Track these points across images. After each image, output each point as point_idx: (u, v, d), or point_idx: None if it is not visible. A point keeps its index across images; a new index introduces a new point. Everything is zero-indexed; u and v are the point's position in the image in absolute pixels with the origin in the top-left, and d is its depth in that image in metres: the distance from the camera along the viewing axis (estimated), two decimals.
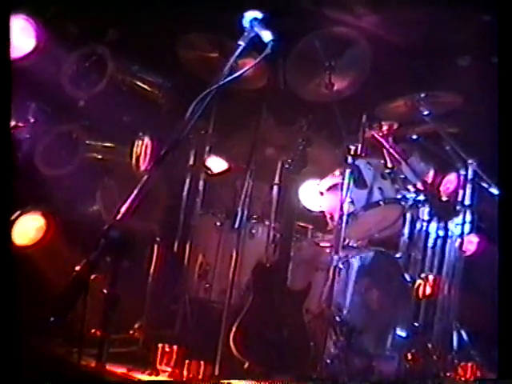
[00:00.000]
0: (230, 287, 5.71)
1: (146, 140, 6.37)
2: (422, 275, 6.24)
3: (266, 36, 3.44)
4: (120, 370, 5.32)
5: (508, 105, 3.99)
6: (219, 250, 6.16)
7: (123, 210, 3.01)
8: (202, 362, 5.34)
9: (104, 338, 2.94)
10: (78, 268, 2.88)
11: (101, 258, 2.97)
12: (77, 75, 6.34)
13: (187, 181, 6.61)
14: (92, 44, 6.39)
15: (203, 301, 6.20)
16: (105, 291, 2.98)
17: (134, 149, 6.36)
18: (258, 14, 3.51)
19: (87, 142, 6.32)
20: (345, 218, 5.68)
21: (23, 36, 5.92)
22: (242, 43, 3.43)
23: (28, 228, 6.04)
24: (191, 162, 6.60)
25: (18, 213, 5.94)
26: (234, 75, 3.27)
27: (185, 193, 6.61)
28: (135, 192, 3.04)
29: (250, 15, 3.50)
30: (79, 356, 3.24)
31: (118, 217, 3.01)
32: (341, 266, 5.65)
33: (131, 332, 6.04)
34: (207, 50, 6.24)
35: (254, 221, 6.17)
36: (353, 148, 5.85)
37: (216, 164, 6.55)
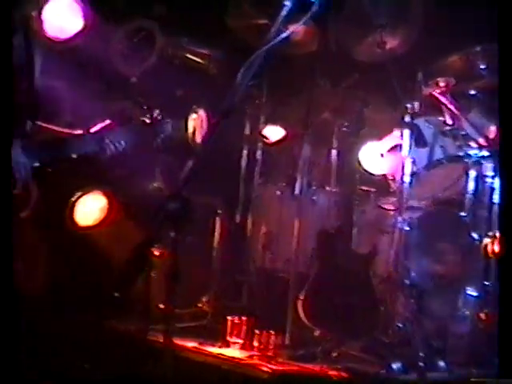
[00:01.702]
0: (294, 255, 5.67)
1: (201, 112, 6.32)
2: (490, 233, 6.10)
3: None
4: (191, 344, 5.34)
5: None
6: (281, 219, 6.11)
7: (180, 182, 2.98)
8: (272, 332, 5.33)
9: (168, 311, 2.92)
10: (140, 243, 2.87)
11: (162, 232, 2.94)
12: (127, 52, 6.32)
13: (245, 151, 6.57)
14: (140, 19, 6.36)
15: (269, 270, 6.18)
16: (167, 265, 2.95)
17: (190, 122, 6.32)
18: None
19: (141, 118, 6.28)
20: (407, 178, 5.58)
21: (71, 16, 5.92)
22: (287, 3, 3.35)
23: (90, 208, 6.07)
24: (247, 131, 6.55)
25: (79, 193, 5.98)
26: (282, 36, 3.19)
27: (243, 163, 6.57)
28: (190, 163, 3.00)
29: None
30: (146, 332, 3.23)
31: (176, 190, 2.97)
32: (406, 227, 5.56)
33: (200, 306, 6.06)
34: (256, 18, 6.16)
35: (314, 187, 6.10)
36: (411, 107, 5.73)
37: (273, 132, 6.49)
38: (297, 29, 3.30)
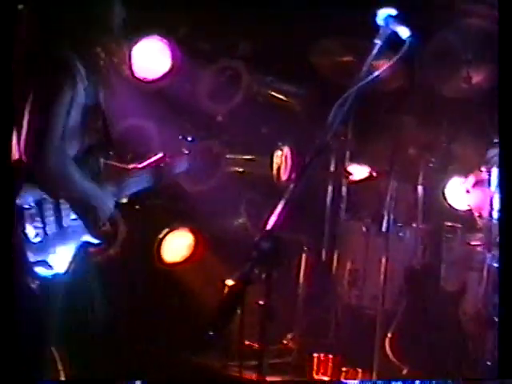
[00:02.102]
0: (381, 292, 5.63)
1: (286, 150, 6.37)
2: None
3: (403, 32, 3.36)
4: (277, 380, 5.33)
5: None
6: (367, 256, 6.08)
7: (272, 221, 2.99)
8: (359, 370, 5.29)
9: (263, 349, 2.93)
10: (230, 281, 2.88)
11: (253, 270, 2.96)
12: (213, 90, 6.40)
13: (330, 187, 6.56)
14: (226, 59, 6.44)
15: (355, 307, 6.13)
16: (261, 302, 2.95)
17: (274, 159, 6.36)
18: (393, 11, 3.42)
19: (227, 156, 6.35)
20: (495, 214, 5.50)
21: (159, 57, 6.04)
22: (378, 42, 3.35)
23: (177, 245, 6.15)
24: (332, 168, 6.54)
25: (167, 230, 6.06)
26: (374, 75, 3.20)
27: (328, 200, 6.56)
28: (282, 202, 3.01)
29: (384, 12, 3.42)
30: (240, 369, 3.23)
31: (268, 228, 2.98)
32: (495, 264, 5.48)
33: (285, 342, 6.05)
34: (341, 55, 6.18)
35: (400, 224, 6.05)
36: (498, 141, 5.66)
37: (358, 170, 6.46)
38: (390, 65, 3.30)
